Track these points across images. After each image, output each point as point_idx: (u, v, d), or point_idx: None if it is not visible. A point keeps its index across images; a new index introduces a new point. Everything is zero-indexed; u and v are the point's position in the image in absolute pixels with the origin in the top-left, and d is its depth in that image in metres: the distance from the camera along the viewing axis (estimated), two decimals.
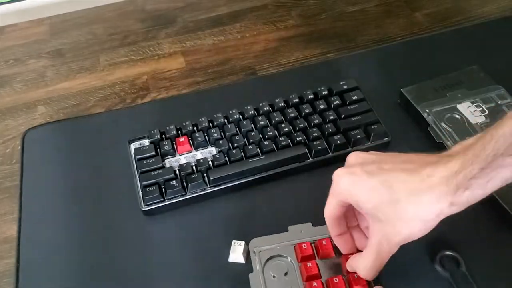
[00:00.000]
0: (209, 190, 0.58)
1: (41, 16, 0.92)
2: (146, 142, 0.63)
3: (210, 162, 0.59)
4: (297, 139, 0.60)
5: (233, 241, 0.53)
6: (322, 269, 0.50)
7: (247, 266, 0.52)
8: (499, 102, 0.62)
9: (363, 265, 0.46)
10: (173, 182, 0.57)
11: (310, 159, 0.59)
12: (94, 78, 0.80)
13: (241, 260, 0.52)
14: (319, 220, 0.50)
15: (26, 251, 0.56)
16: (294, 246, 0.52)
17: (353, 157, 0.47)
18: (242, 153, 0.60)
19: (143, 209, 0.57)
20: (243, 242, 0.53)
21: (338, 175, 0.46)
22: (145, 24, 0.91)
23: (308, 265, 0.49)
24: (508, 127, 0.38)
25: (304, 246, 0.51)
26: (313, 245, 0.52)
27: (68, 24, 0.91)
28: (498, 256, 0.52)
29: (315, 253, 0.51)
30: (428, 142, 0.61)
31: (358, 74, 0.68)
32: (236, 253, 0.52)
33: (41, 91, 0.78)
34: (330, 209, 0.48)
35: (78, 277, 0.54)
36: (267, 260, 0.51)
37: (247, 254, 0.53)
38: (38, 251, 0.56)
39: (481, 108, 0.61)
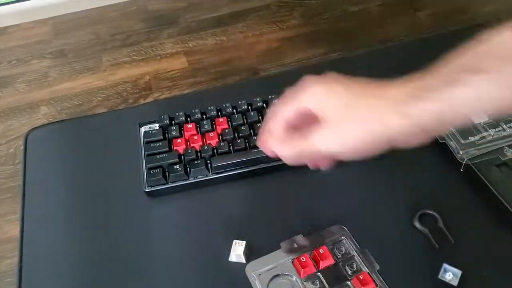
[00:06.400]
0: (210, 176, 0.60)
1: (43, 17, 0.92)
2: (156, 126, 0.65)
3: (214, 150, 0.61)
4: None
5: (234, 241, 0.53)
6: (327, 280, 0.49)
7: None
8: None
9: (289, 153, 0.46)
10: (177, 166, 0.60)
11: None
12: (97, 78, 0.80)
13: (242, 260, 0.52)
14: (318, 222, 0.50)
15: (28, 251, 0.56)
16: (293, 261, 0.51)
17: (329, 76, 0.49)
18: (247, 143, 0.62)
19: (146, 190, 0.58)
20: (244, 242, 0.53)
21: (312, 81, 0.46)
22: (147, 24, 0.91)
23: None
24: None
25: (303, 259, 0.51)
26: (310, 256, 0.51)
27: (71, 25, 0.91)
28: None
29: (315, 265, 0.51)
30: (430, 142, 0.60)
31: (361, 74, 0.68)
32: (237, 253, 0.52)
33: (44, 91, 0.78)
34: (287, 115, 0.47)
35: (81, 277, 0.54)
36: (269, 281, 0.50)
37: (248, 253, 0.53)
38: (40, 251, 0.56)
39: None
